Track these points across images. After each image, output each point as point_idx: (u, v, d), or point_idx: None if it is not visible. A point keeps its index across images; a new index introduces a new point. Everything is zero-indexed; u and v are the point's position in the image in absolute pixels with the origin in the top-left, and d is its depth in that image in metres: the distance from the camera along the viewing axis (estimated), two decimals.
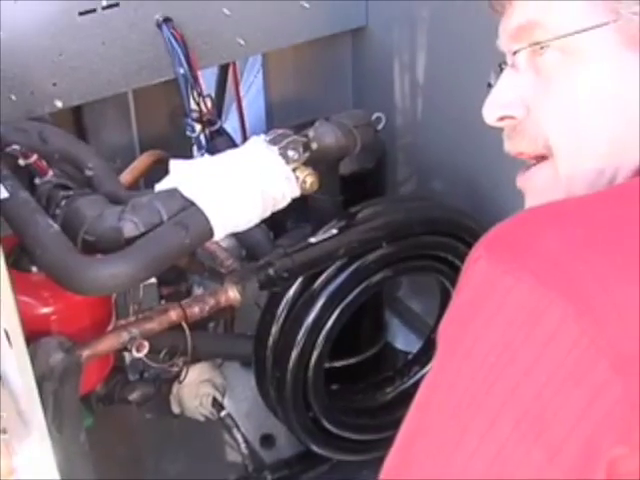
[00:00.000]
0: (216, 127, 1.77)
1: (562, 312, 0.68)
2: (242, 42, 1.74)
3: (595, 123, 0.85)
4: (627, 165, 0.84)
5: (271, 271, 1.42)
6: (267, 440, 1.84)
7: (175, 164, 1.33)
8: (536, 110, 0.89)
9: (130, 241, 1.24)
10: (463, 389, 0.72)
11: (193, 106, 1.72)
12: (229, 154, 1.35)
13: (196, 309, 1.38)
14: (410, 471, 0.73)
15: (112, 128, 1.87)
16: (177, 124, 1.83)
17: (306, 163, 1.35)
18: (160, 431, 1.86)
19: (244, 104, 2.07)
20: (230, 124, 2.05)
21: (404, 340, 1.97)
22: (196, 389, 1.69)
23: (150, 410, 1.75)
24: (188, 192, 1.28)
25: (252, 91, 2.21)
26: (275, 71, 2.00)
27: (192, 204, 1.27)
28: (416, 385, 1.75)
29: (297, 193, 1.34)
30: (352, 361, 1.81)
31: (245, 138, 2.05)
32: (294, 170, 1.33)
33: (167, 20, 1.64)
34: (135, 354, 1.32)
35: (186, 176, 1.31)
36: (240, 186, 1.29)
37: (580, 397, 0.68)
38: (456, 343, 0.74)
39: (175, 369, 1.54)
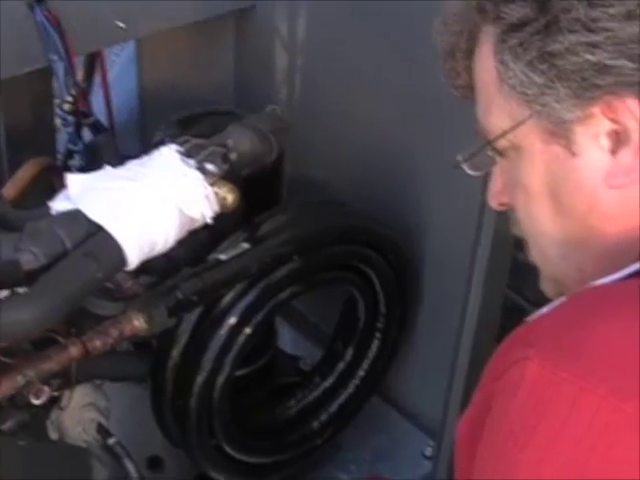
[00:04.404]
0: (91, 120, 1.62)
1: None
2: (122, 25, 1.56)
3: (543, 213, 0.86)
4: (593, 251, 0.84)
5: (179, 294, 1.26)
6: (155, 462, 1.69)
7: (73, 179, 1.16)
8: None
9: (30, 274, 1.07)
10: None
11: (66, 97, 1.55)
12: (137, 167, 1.18)
13: (98, 343, 1.21)
14: None
15: None
16: (44, 118, 1.65)
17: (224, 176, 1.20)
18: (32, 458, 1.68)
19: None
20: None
21: (293, 344, 1.85)
22: (79, 414, 1.52)
23: (24, 437, 1.58)
24: (94, 214, 1.11)
25: (114, 73, 2.01)
26: (149, 57, 1.82)
27: (99, 229, 1.11)
28: (318, 400, 1.64)
29: (217, 211, 1.19)
30: (244, 372, 1.68)
31: (112, 126, 1.88)
32: (213, 185, 1.18)
33: (40, 1, 1.45)
34: (34, 402, 1.15)
35: (89, 194, 1.14)
36: (155, 207, 1.13)
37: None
38: (520, 452, 0.69)
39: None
